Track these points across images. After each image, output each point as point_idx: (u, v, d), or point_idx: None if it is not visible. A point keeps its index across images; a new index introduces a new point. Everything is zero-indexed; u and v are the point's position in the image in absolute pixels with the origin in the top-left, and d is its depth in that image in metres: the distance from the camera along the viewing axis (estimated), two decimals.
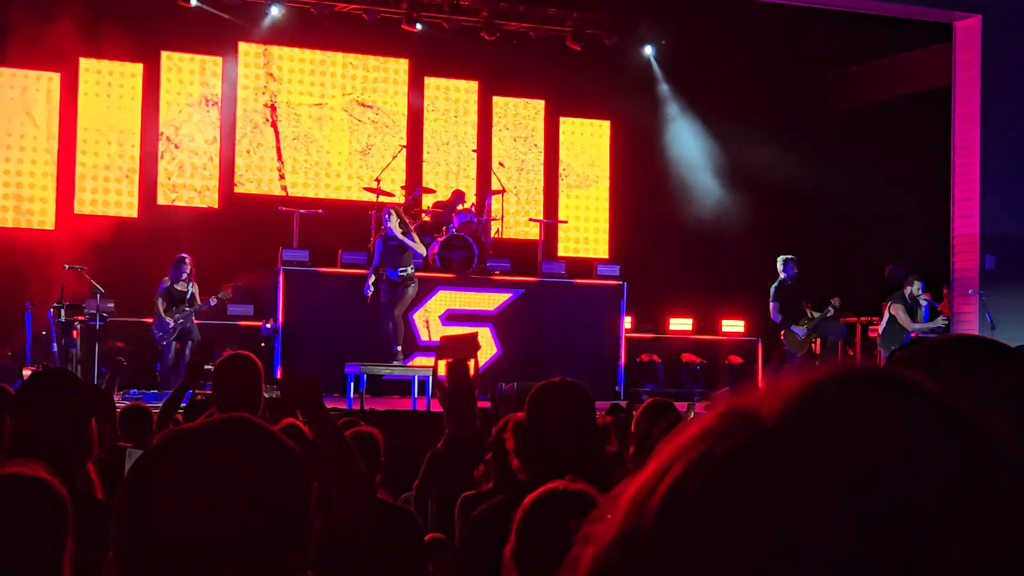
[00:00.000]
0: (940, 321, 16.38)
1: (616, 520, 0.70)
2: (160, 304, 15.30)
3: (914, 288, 15.86)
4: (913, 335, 16.05)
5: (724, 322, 19.43)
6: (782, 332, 16.29)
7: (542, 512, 3.13)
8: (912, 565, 0.64)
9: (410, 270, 15.52)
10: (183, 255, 15.50)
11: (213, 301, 15.47)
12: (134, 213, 18.91)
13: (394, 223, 15.44)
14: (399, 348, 15.38)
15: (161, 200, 19.12)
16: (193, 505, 1.67)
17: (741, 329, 19.29)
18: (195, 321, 15.46)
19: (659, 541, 0.66)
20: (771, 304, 16.19)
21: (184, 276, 15.36)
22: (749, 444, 0.67)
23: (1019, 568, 0.66)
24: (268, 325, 16.16)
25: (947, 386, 0.72)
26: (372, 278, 15.51)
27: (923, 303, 15.90)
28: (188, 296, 15.33)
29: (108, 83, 18.96)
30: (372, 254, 15.90)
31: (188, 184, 19.32)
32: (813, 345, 16.49)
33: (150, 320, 15.71)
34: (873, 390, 0.70)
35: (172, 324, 15.20)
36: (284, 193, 19.52)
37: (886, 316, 15.86)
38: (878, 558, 0.64)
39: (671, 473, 0.67)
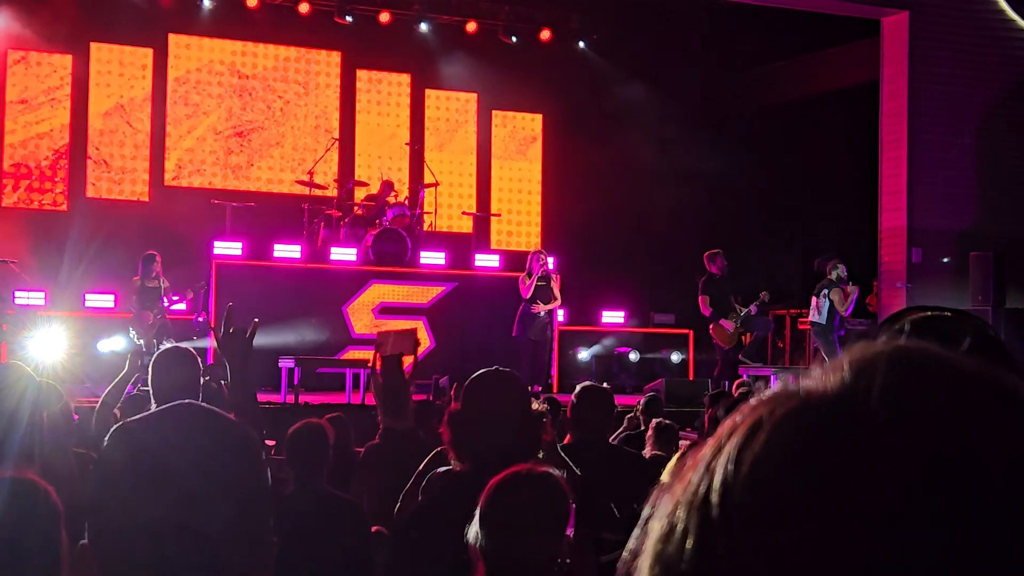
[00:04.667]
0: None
1: (687, 479, 0.77)
2: (136, 303, 15.07)
3: (839, 271, 15.72)
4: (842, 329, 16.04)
5: (656, 315, 19.53)
6: (711, 326, 16.28)
7: (509, 493, 3.13)
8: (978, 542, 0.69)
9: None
10: (151, 252, 15.20)
11: (190, 295, 15.35)
12: (64, 206, 18.72)
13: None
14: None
15: (91, 193, 18.93)
16: (156, 488, 1.71)
17: (673, 321, 19.40)
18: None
19: (740, 495, 0.74)
20: (700, 298, 16.17)
21: (154, 274, 15.13)
22: (817, 413, 0.75)
23: None
24: (200, 319, 16.03)
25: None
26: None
27: (850, 287, 15.77)
28: (161, 292, 15.11)
29: (36, 75, 18.74)
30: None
31: (118, 177, 19.13)
32: (743, 338, 16.56)
33: (80, 315, 15.57)
34: (924, 367, 0.76)
35: (151, 321, 14.98)
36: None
37: (824, 306, 15.64)
38: (928, 516, 0.70)
39: (756, 440, 0.75)
